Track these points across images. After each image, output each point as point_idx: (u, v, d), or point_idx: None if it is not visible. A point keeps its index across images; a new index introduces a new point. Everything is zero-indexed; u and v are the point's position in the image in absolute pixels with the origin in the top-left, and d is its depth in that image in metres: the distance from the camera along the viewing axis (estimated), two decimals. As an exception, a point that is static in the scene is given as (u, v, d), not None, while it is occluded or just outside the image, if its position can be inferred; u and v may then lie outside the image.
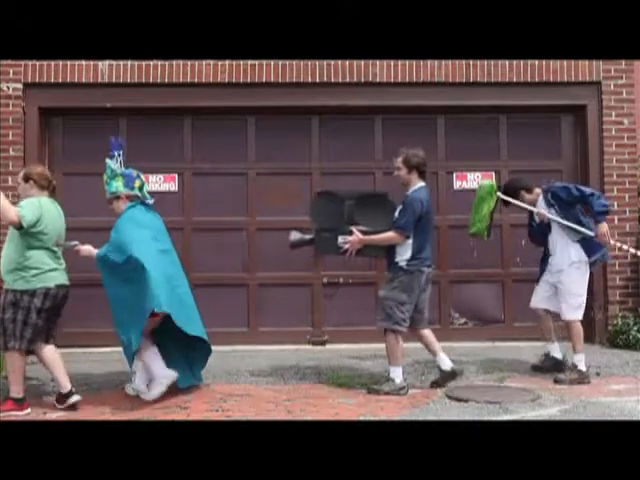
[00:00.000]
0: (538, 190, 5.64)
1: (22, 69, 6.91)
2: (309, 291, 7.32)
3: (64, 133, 7.28)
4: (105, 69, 6.96)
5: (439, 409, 4.57)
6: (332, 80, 7.09)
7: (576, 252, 5.40)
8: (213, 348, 6.72)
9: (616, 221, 7.13)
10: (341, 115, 7.32)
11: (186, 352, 5.15)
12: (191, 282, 7.15)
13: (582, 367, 5.34)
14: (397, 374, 5.04)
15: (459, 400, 4.78)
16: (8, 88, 6.91)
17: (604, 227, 5.35)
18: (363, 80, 7.12)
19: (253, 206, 7.30)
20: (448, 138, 7.42)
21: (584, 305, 5.49)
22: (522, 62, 7.14)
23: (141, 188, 5.08)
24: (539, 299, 5.66)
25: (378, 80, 7.13)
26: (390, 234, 5.06)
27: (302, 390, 5.12)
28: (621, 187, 7.17)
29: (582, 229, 5.37)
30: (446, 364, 5.19)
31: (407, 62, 7.09)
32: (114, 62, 6.93)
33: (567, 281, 5.40)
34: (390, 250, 5.13)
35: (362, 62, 7.07)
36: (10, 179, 6.83)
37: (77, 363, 6.17)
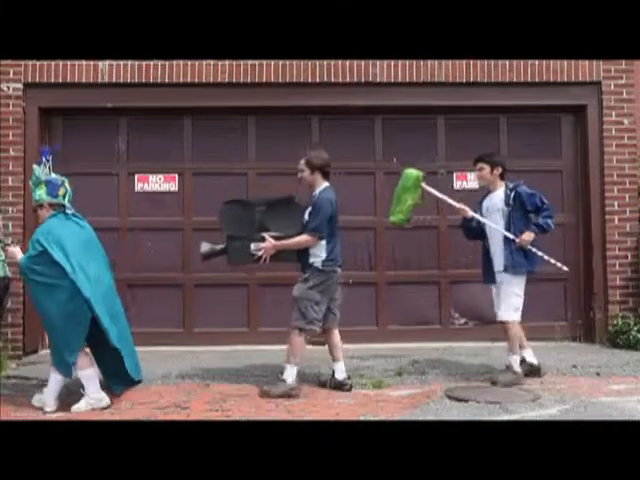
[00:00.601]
0: (500, 170, 5.47)
1: (22, 69, 6.90)
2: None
3: (64, 133, 7.28)
4: (105, 69, 6.96)
5: (439, 409, 4.56)
6: (332, 80, 7.08)
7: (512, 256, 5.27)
8: (213, 348, 6.78)
9: (616, 221, 7.13)
10: (341, 115, 7.32)
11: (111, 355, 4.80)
12: (191, 282, 7.25)
13: (517, 368, 5.27)
14: (291, 374, 5.01)
15: (459, 400, 4.77)
16: (8, 88, 6.90)
17: (530, 236, 5.23)
18: (363, 80, 7.11)
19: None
20: (448, 138, 7.42)
21: (520, 309, 5.32)
22: (522, 62, 7.13)
23: (64, 196, 4.86)
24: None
25: (378, 80, 7.12)
26: (304, 237, 5.03)
27: (302, 390, 5.11)
28: (621, 187, 7.16)
29: (503, 231, 5.27)
30: (341, 374, 5.20)
31: (407, 62, 7.08)
32: (114, 62, 6.92)
33: (506, 282, 5.29)
34: (302, 252, 5.09)
35: (362, 62, 7.06)
36: (10, 179, 6.84)
37: (77, 363, 6.18)
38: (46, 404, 4.60)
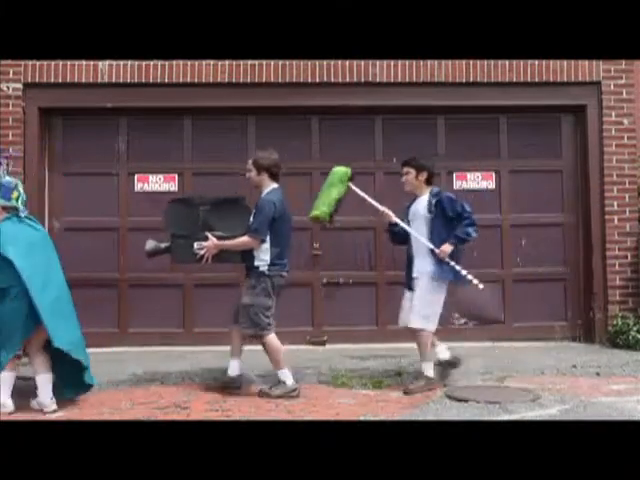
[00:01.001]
0: (426, 175, 5.26)
1: (22, 69, 6.91)
2: (309, 291, 7.32)
3: (64, 133, 7.28)
4: (105, 69, 6.96)
5: (439, 409, 4.57)
6: (332, 80, 7.09)
7: (434, 264, 5.11)
8: (213, 348, 6.76)
9: (616, 221, 7.14)
10: (341, 115, 7.32)
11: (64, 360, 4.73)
12: (191, 282, 7.25)
13: (429, 374, 5.13)
14: (288, 376, 4.98)
15: (459, 400, 4.77)
16: (8, 88, 6.91)
17: (448, 248, 5.05)
18: (363, 80, 7.12)
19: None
20: (448, 138, 7.43)
21: (435, 319, 5.16)
22: (522, 62, 7.14)
23: (17, 199, 4.77)
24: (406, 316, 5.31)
25: (378, 80, 7.13)
26: (244, 239, 4.97)
27: (302, 390, 5.11)
28: (621, 187, 7.17)
29: (424, 240, 5.13)
30: (234, 371, 5.12)
31: (407, 62, 7.09)
32: (114, 62, 6.93)
33: (421, 288, 5.13)
34: (248, 255, 5.03)
35: (362, 62, 7.07)
36: (10, 179, 6.83)
37: (77, 363, 6.17)
38: (44, 405, 4.59)
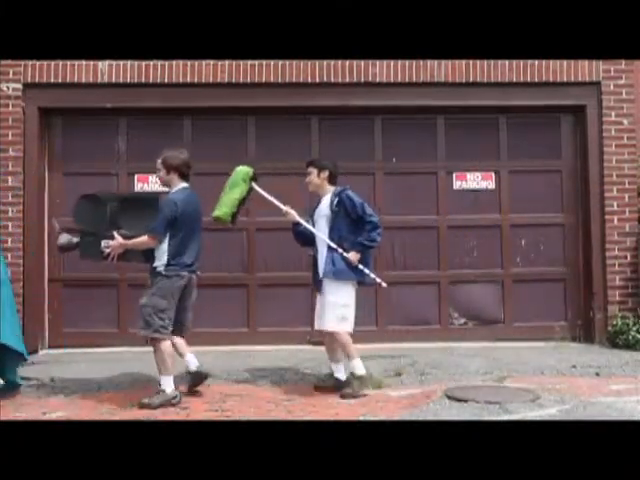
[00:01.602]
0: (327, 173, 5.20)
1: (22, 69, 6.91)
2: (309, 291, 7.30)
3: (64, 133, 7.28)
4: (105, 69, 6.96)
5: (439, 409, 4.56)
6: (332, 80, 7.09)
7: (337, 264, 5.04)
8: (213, 348, 6.76)
9: (616, 221, 7.13)
10: (341, 115, 7.32)
11: None
12: (191, 282, 7.23)
13: (361, 371, 5.04)
14: (168, 383, 4.79)
15: (459, 400, 4.76)
16: (8, 88, 6.91)
17: (355, 256, 5.00)
18: (363, 80, 7.12)
19: (253, 206, 7.29)
20: (448, 138, 7.42)
21: (350, 319, 5.12)
22: (522, 62, 7.13)
23: None
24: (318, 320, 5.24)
25: (378, 80, 7.13)
26: (143, 238, 4.84)
27: (302, 390, 5.11)
28: (621, 187, 7.17)
29: (330, 242, 5.04)
30: (194, 364, 5.08)
31: (407, 62, 7.09)
32: (114, 62, 6.93)
33: (330, 291, 5.07)
34: (151, 255, 4.93)
35: (362, 62, 7.07)
36: (10, 179, 6.84)
37: (77, 363, 6.19)
38: None
